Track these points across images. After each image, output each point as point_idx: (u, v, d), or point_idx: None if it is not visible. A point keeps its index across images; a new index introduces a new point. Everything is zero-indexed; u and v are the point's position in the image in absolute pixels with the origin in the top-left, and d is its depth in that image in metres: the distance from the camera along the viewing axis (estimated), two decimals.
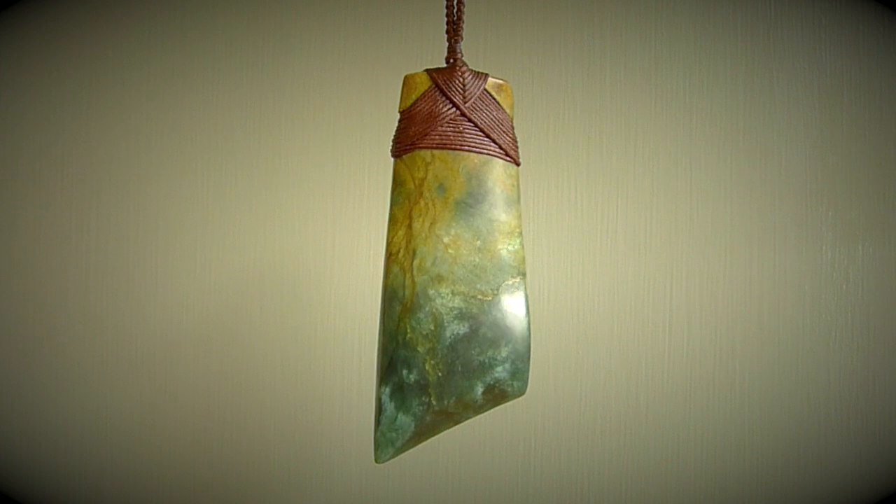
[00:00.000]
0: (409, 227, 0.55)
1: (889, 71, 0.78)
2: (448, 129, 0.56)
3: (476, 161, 0.56)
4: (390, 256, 0.55)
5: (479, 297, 0.55)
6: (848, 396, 0.78)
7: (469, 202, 0.56)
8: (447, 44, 0.57)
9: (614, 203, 0.79)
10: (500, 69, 0.79)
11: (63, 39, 0.81)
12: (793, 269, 0.78)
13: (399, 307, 0.55)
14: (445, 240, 0.55)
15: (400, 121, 0.56)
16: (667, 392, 0.78)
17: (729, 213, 0.78)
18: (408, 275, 0.55)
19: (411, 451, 0.79)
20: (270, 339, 0.80)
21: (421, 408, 0.55)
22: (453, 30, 0.57)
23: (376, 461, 0.56)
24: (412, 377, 0.54)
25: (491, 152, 0.57)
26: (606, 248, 0.79)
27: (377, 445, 0.55)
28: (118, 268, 0.80)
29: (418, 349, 0.54)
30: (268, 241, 0.80)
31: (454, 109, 0.56)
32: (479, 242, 0.56)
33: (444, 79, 0.56)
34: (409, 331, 0.54)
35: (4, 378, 0.81)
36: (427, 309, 0.55)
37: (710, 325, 0.78)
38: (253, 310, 0.80)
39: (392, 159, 0.56)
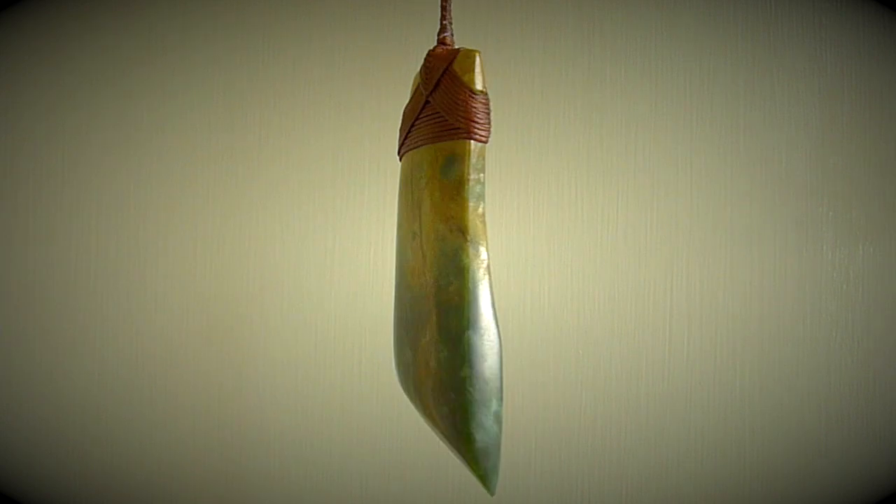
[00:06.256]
0: None
1: (889, 71, 0.78)
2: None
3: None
4: (487, 256, 0.50)
5: None
6: (848, 396, 0.77)
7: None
8: (444, 23, 0.54)
9: (614, 203, 0.79)
10: (500, 68, 0.79)
11: (63, 39, 0.81)
12: (793, 269, 0.78)
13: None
14: None
15: (482, 101, 0.52)
16: (667, 392, 0.78)
17: (729, 213, 0.78)
18: None
19: (411, 451, 0.79)
20: (271, 340, 0.79)
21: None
22: (448, 7, 0.55)
23: (493, 493, 0.50)
24: None
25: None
26: (606, 248, 0.79)
27: (497, 474, 0.50)
28: (119, 268, 0.80)
29: None
30: (269, 242, 0.80)
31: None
32: None
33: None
34: None
35: (5, 379, 0.81)
36: None
37: (710, 326, 0.78)
38: (253, 311, 0.80)
39: (475, 143, 0.52)
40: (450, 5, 0.55)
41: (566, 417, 0.78)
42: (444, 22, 0.54)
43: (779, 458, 0.78)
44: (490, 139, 0.52)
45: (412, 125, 0.55)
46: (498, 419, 0.49)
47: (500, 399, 0.49)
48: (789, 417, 0.78)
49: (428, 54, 0.55)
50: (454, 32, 0.55)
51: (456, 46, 0.54)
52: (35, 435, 0.80)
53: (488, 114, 0.52)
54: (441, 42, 0.54)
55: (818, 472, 0.77)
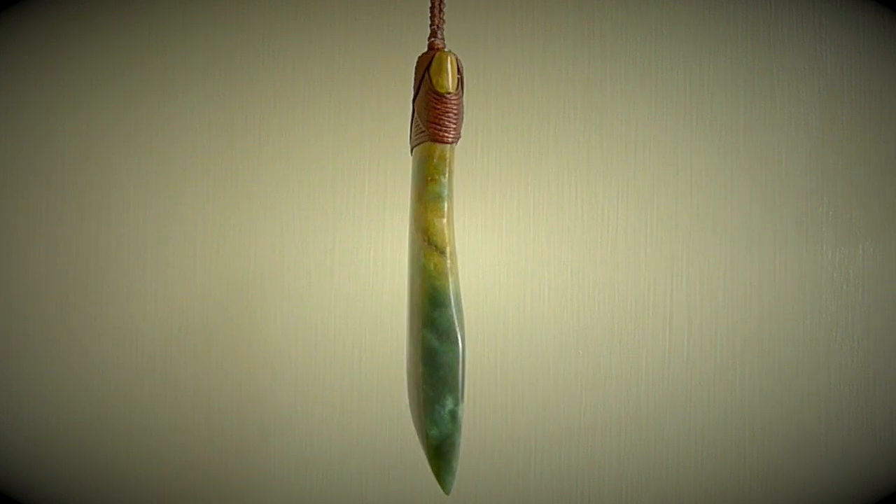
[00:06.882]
0: (452, 223, 0.53)
1: (889, 71, 0.78)
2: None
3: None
4: (448, 256, 0.51)
5: None
6: (848, 396, 0.77)
7: None
8: (433, 27, 0.55)
9: (614, 203, 0.79)
10: (499, 67, 0.79)
11: (63, 39, 0.81)
12: (793, 269, 0.78)
13: (460, 312, 0.52)
14: (455, 238, 0.54)
15: (445, 102, 0.52)
16: (667, 392, 0.78)
17: (729, 212, 0.78)
18: (458, 277, 0.52)
19: (412, 451, 0.79)
20: (271, 340, 0.79)
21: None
22: (437, 13, 0.55)
23: (449, 492, 0.52)
24: (465, 388, 0.52)
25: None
26: (606, 248, 0.79)
27: (453, 474, 0.51)
28: (117, 266, 0.80)
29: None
30: (268, 240, 0.80)
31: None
32: None
33: (461, 68, 0.54)
34: (465, 337, 0.52)
35: (4, 379, 0.81)
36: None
37: (710, 326, 0.78)
38: (253, 308, 0.80)
39: (434, 144, 0.52)
40: (438, 10, 0.55)
41: (566, 417, 0.78)
42: (433, 27, 0.54)
43: (779, 458, 0.78)
44: (455, 140, 0.52)
45: (410, 130, 0.56)
46: (454, 417, 0.50)
47: (458, 398, 0.50)
48: (789, 417, 0.78)
49: (418, 59, 0.55)
50: (449, 35, 0.55)
51: (445, 49, 0.54)
52: (35, 435, 0.80)
53: (454, 115, 0.52)
54: (430, 46, 0.55)
55: (818, 472, 0.77)
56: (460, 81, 0.53)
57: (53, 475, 0.80)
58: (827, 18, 0.79)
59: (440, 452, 0.51)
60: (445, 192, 0.51)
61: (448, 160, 0.52)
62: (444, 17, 0.54)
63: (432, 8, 0.55)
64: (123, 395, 0.80)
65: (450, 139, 0.52)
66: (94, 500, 0.80)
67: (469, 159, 0.78)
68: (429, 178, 0.51)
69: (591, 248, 0.79)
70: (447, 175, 0.51)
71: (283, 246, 0.80)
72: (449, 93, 0.52)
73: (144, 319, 0.80)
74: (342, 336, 0.79)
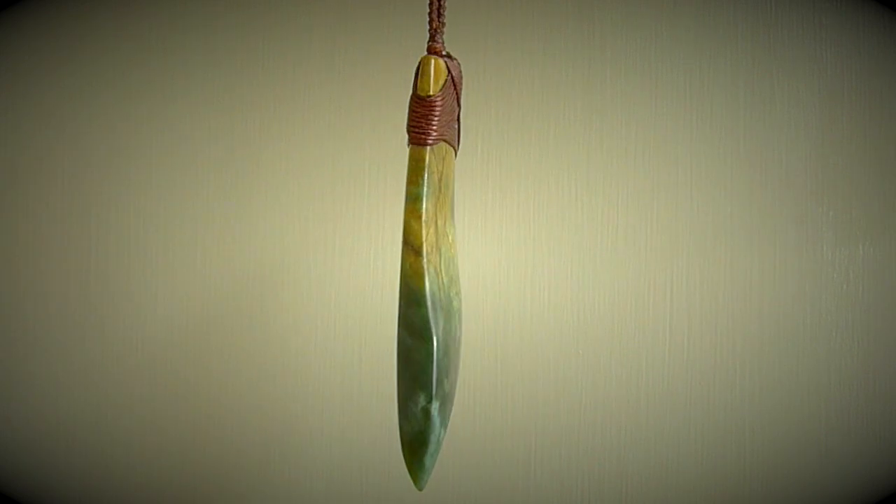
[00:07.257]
0: (436, 223, 0.53)
1: (890, 71, 0.78)
2: (454, 123, 0.55)
3: (452, 155, 0.55)
4: (423, 256, 0.51)
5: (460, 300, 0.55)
6: (848, 396, 0.78)
7: (453, 200, 0.55)
8: (431, 31, 0.55)
9: (614, 203, 0.79)
10: (499, 69, 0.79)
11: (63, 40, 0.81)
12: (793, 269, 0.78)
13: (441, 312, 0.52)
14: (450, 239, 0.54)
15: (425, 105, 0.53)
16: (667, 392, 0.78)
17: (729, 213, 0.78)
18: (441, 277, 0.53)
19: None
20: (271, 337, 0.80)
21: (448, 418, 0.53)
22: (436, 16, 0.54)
23: (421, 488, 0.52)
24: (446, 387, 0.52)
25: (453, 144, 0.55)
26: (606, 249, 0.79)
27: (424, 470, 0.52)
28: (118, 267, 0.80)
29: (451, 355, 0.53)
30: (268, 239, 0.80)
31: (456, 103, 0.55)
32: (455, 243, 0.56)
33: (456, 71, 0.55)
34: (447, 336, 0.52)
35: (5, 378, 0.81)
36: (455, 313, 0.54)
37: (710, 326, 0.78)
38: (254, 308, 0.80)
39: (413, 146, 0.53)
40: (437, 14, 0.55)
41: (566, 416, 0.78)
42: (431, 30, 0.54)
43: (779, 458, 0.78)
44: (435, 143, 0.53)
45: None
46: (427, 414, 0.51)
47: (431, 396, 0.51)
48: (789, 417, 0.78)
49: (418, 63, 0.55)
50: (449, 38, 0.55)
51: (444, 52, 0.54)
52: (35, 435, 0.81)
53: (434, 118, 0.52)
54: (429, 50, 0.55)
55: (818, 472, 0.77)
56: (450, 85, 0.53)
57: (53, 475, 0.80)
58: (827, 18, 0.79)
59: (412, 449, 0.52)
60: (424, 194, 0.52)
61: (427, 162, 0.52)
62: (444, 21, 0.54)
63: (431, 12, 0.55)
64: (124, 395, 0.80)
65: (429, 142, 0.52)
66: (94, 500, 0.80)
67: (469, 160, 0.79)
68: (409, 180, 0.52)
69: (591, 248, 0.79)
70: (426, 177, 0.52)
71: (284, 248, 0.80)
72: (429, 95, 0.52)
73: (145, 320, 0.80)
74: (342, 336, 0.79)
